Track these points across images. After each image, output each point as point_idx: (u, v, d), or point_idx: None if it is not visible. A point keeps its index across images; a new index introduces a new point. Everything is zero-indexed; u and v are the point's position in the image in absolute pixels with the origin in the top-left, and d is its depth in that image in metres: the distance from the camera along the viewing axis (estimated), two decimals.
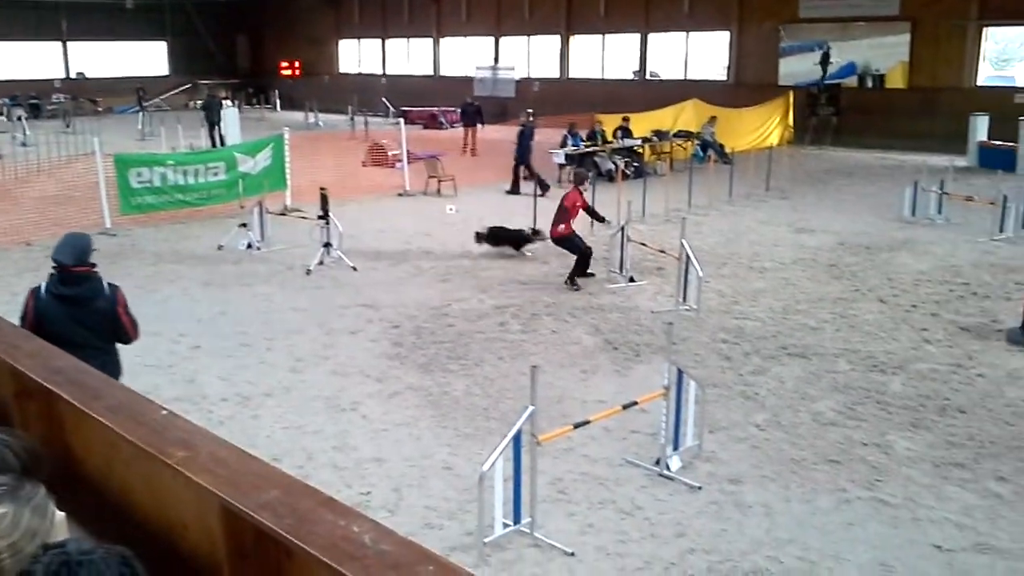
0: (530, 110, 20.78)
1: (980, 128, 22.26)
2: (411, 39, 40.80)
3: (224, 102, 26.97)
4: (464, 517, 5.60)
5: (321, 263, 11.93)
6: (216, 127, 24.88)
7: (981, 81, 25.63)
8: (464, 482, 6.01)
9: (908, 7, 25.70)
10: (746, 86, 28.66)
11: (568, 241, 11.42)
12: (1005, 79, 26.14)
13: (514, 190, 18.43)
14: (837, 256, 12.81)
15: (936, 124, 24.62)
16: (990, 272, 11.78)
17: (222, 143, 23.68)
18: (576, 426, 5.93)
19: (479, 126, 25.58)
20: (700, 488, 6.03)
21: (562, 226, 11.34)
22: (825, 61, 27.32)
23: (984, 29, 25.31)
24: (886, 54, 26.74)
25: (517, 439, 5.23)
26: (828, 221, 15.39)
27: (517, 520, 5.39)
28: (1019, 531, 5.53)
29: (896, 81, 26.65)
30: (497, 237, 12.96)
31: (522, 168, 18.64)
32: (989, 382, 7.98)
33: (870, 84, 27.27)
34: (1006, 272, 11.77)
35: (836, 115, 26.67)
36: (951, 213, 15.19)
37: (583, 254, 11.36)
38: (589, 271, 11.52)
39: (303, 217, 13.41)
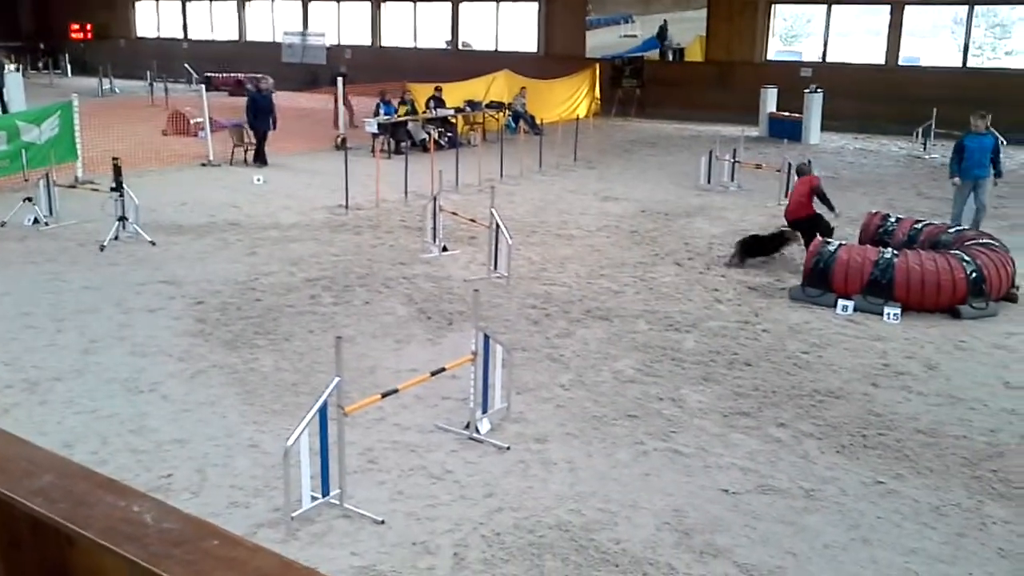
0: (259, 75, 19.70)
1: (770, 100, 23.76)
2: (214, 2, 38.99)
3: (8, 66, 24.85)
4: (271, 494, 5.52)
5: (116, 238, 11.28)
6: None
7: (771, 56, 27.34)
8: (271, 459, 5.91)
9: None
10: (555, 58, 29.26)
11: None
12: (793, 54, 27.99)
13: (261, 161, 17.61)
14: (639, 223, 13.39)
15: (731, 96, 26.07)
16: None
17: (5, 110, 21.85)
18: (384, 395, 5.93)
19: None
20: (508, 448, 6.20)
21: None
22: (663, 34, 28.19)
23: (773, 6, 26.97)
24: (686, 29, 28.01)
25: (323, 411, 5.19)
26: (631, 189, 16.03)
27: (326, 493, 5.36)
28: (796, 471, 6.03)
29: (695, 55, 27.99)
30: (753, 249, 11.11)
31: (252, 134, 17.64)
32: (773, 336, 8.61)
33: (671, 57, 28.50)
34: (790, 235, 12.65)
35: (640, 87, 27.71)
36: (742, 180, 16.17)
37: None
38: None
39: (95, 190, 12.62)
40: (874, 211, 11.89)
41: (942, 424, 6.79)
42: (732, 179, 16.20)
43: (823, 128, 22.93)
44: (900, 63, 25.22)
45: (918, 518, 5.49)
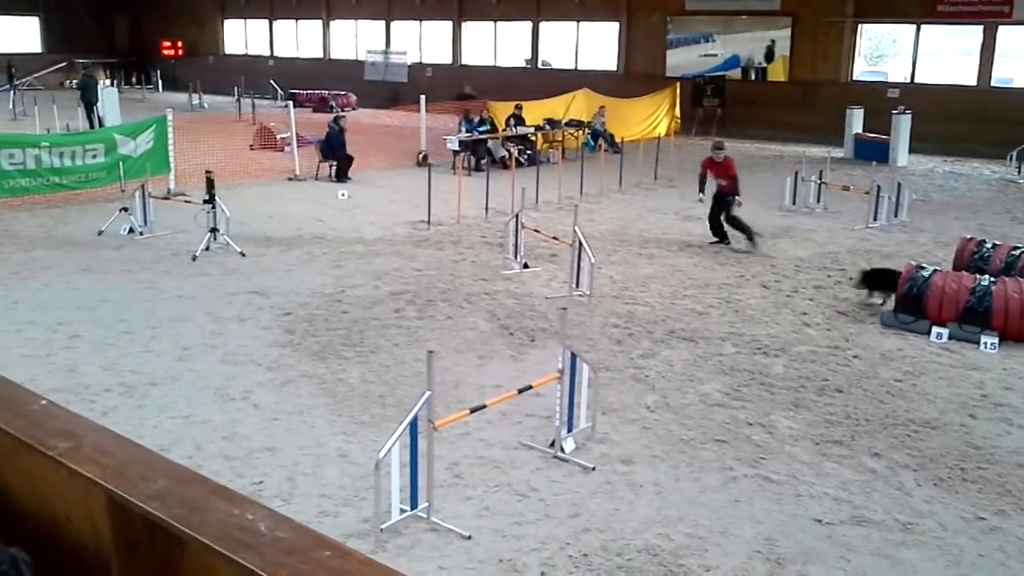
0: (341, 114, 20.15)
1: (856, 121, 23.25)
2: (299, 21, 39.96)
3: (103, 81, 25.84)
4: (360, 504, 5.56)
5: (207, 249, 11.58)
6: (94, 108, 23.82)
7: (856, 76, 26.82)
8: (360, 469, 5.96)
9: (788, 3, 26.65)
10: (635, 76, 29.19)
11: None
12: (878, 75, 27.43)
13: (344, 178, 17.98)
14: (722, 243, 13.19)
15: (815, 116, 25.63)
16: (865, 258, 12.34)
17: (100, 124, 22.70)
18: (472, 411, 5.95)
19: None
20: (593, 469, 6.15)
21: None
22: (770, 54, 27.66)
23: (859, 26, 26.47)
24: (768, 48, 27.64)
25: (414, 425, 5.21)
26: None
27: (414, 505, 5.38)
28: (891, 503, 5.84)
29: (778, 74, 27.60)
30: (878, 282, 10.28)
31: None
32: (864, 363, 8.38)
33: (753, 77, 28.16)
34: (880, 258, 12.34)
35: (721, 106, 27.43)
36: (829, 202, 15.85)
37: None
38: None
39: (188, 201, 12.99)
40: (968, 236, 11.51)
41: None
42: (818, 201, 15.89)
43: (911, 150, 22.35)
44: (993, 84, 24.48)
45: (1023, 557, 5.26)
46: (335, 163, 17.96)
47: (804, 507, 5.75)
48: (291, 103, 21.11)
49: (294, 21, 40.17)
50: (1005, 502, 5.89)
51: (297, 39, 40.40)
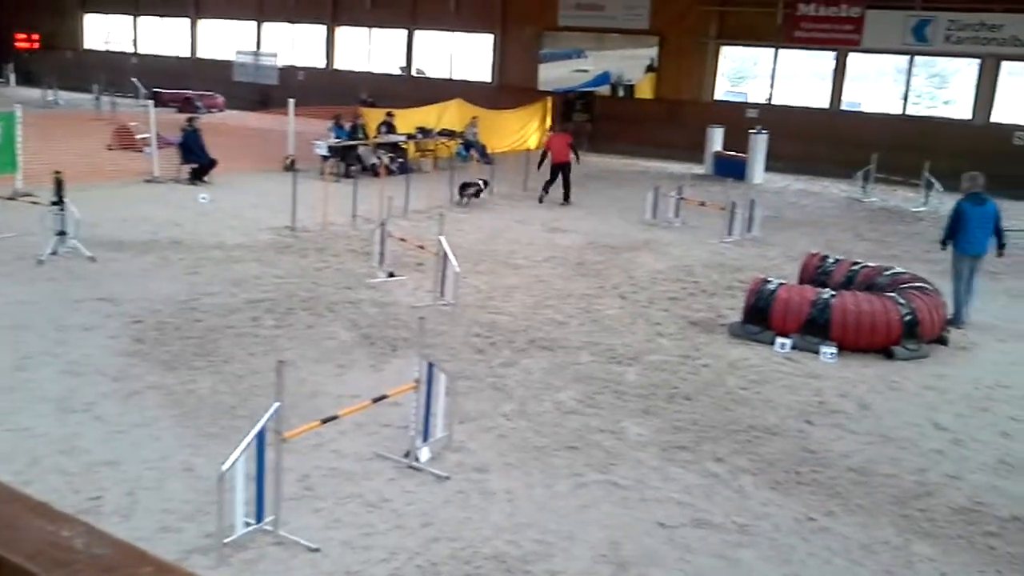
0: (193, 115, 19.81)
1: (716, 139, 24.23)
2: (166, 18, 38.65)
3: None
4: (203, 519, 5.41)
5: (54, 253, 11.04)
6: None
7: (719, 96, 27.92)
8: (205, 483, 5.80)
9: (657, 22, 27.56)
10: (508, 89, 29.54)
11: None
12: (739, 95, 28.63)
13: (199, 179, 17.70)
14: (585, 255, 13.52)
15: (679, 134, 26.55)
16: (718, 271, 12.88)
17: None
18: (324, 421, 5.89)
19: None
20: (448, 478, 6.18)
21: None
22: (651, 71, 28.05)
23: (721, 48, 27.58)
24: (636, 65, 28.48)
25: (261, 436, 5.12)
26: (579, 222, 16.19)
27: (260, 519, 5.28)
28: (731, 506, 6.10)
29: (645, 92, 28.45)
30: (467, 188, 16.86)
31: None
32: (712, 372, 8.73)
33: (621, 93, 28.93)
34: (732, 271, 12.91)
35: (590, 122, 28.05)
36: (687, 217, 16.44)
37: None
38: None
39: (35, 203, 12.37)
40: (814, 252, 12.15)
41: (873, 463, 6.93)
42: (677, 215, 16.46)
43: (767, 168, 23.43)
44: (843, 108, 25.94)
45: (848, 555, 5.59)
46: (195, 166, 17.46)
47: (648, 511, 5.95)
48: (152, 102, 20.36)
49: (160, 18, 38.82)
50: (834, 503, 6.24)
51: (163, 36, 39.04)
